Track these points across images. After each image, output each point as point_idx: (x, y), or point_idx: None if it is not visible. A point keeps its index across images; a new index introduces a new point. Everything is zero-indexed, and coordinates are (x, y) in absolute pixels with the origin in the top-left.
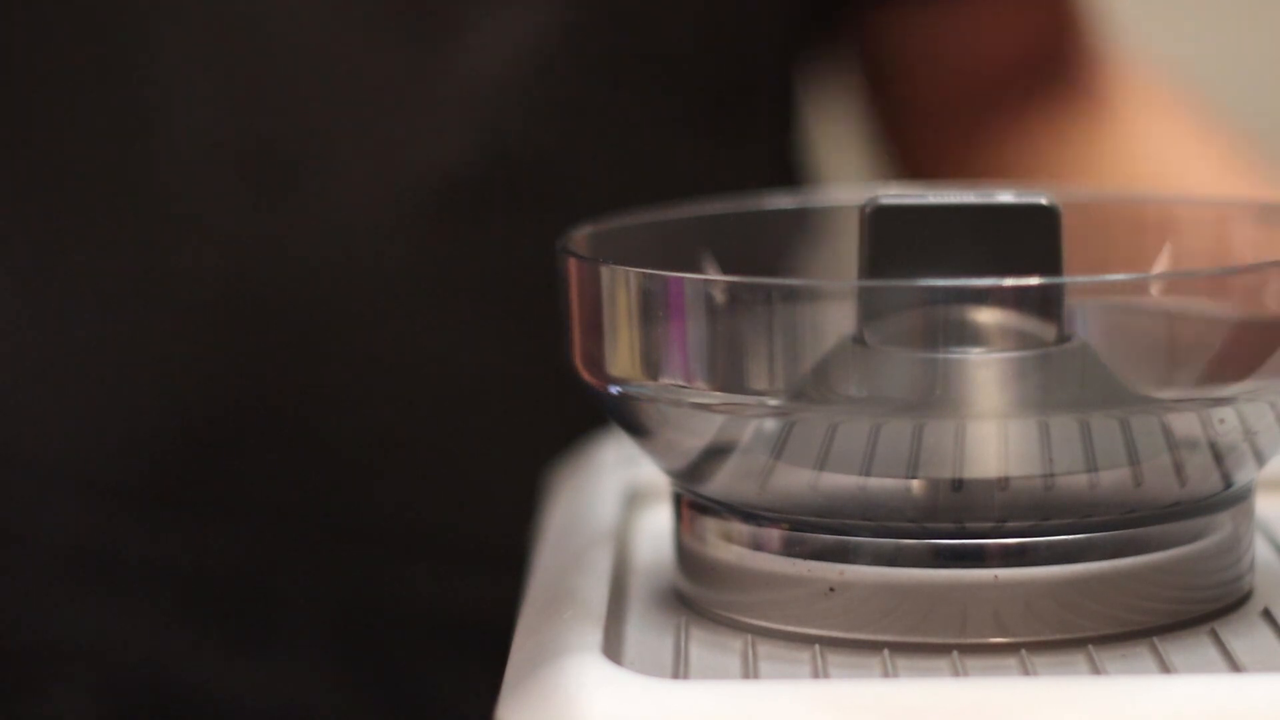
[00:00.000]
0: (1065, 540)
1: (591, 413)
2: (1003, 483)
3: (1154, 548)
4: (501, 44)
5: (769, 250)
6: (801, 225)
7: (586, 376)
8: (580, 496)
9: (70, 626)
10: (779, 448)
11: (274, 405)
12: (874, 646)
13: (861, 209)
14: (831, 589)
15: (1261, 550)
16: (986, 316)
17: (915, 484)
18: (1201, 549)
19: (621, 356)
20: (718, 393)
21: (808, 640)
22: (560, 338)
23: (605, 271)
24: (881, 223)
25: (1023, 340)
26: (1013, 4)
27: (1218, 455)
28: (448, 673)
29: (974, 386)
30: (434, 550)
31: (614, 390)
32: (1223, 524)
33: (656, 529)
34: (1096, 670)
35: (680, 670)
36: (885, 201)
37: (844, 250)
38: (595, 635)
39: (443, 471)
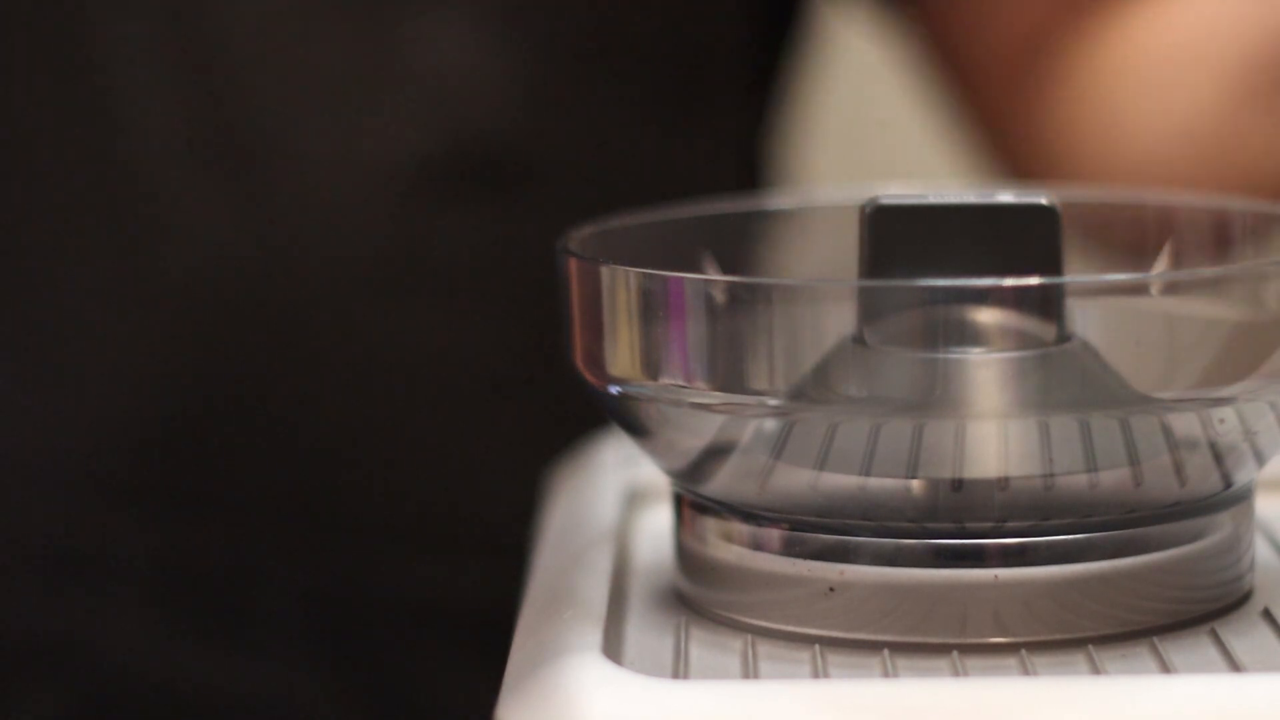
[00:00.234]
0: (1065, 540)
1: (568, 395)
2: (1003, 483)
3: (1154, 548)
4: (464, 30)
5: (769, 250)
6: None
7: (587, 376)
8: (580, 496)
9: (48, 622)
10: (779, 448)
11: (249, 397)
12: (874, 646)
13: (861, 209)
14: (831, 589)
15: (1261, 550)
16: (986, 316)
17: (915, 484)
18: (1201, 549)
19: (621, 356)
20: (718, 393)
21: (808, 640)
22: (541, 327)
23: (605, 271)
24: (881, 223)
25: (1023, 340)
26: None
27: (1218, 455)
28: (428, 663)
29: (974, 386)
30: (413, 541)
31: (614, 390)
32: (1223, 524)
33: (656, 529)
34: (1096, 670)
35: (680, 670)
36: (885, 201)
37: (844, 250)
38: (595, 635)
39: (421, 461)
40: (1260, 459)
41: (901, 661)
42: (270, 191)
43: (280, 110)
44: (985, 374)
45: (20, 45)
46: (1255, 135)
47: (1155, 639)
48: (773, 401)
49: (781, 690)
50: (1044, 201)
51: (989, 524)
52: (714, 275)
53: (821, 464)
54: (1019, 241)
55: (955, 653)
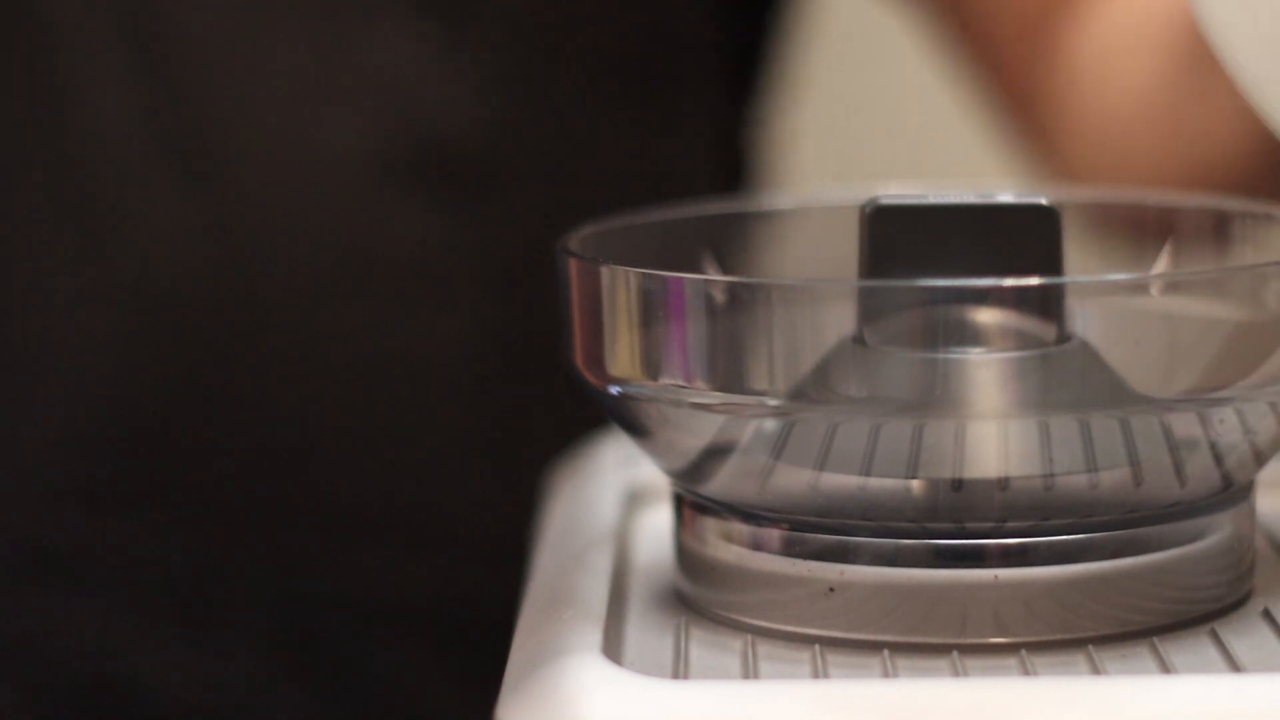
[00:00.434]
0: (1065, 540)
1: (524, 388)
2: (1003, 483)
3: (1154, 548)
4: (420, 27)
5: (769, 250)
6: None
7: (586, 376)
8: (580, 496)
9: (12, 621)
10: (779, 448)
11: (214, 396)
12: (874, 646)
13: (861, 209)
14: (831, 589)
15: (1261, 550)
16: (986, 316)
17: (915, 484)
18: (1201, 549)
19: (621, 356)
20: (718, 393)
21: (808, 640)
22: (506, 326)
23: (605, 271)
24: (881, 223)
25: (1023, 340)
26: None
27: (1218, 455)
28: (396, 663)
29: (974, 386)
30: (380, 541)
31: (614, 390)
32: (1223, 524)
33: (656, 529)
34: (1096, 670)
35: (680, 670)
36: (885, 201)
37: (844, 250)
38: (595, 635)
39: (386, 460)
40: (1260, 459)
41: (901, 661)
42: (230, 191)
43: (239, 109)
44: (985, 374)
45: None
46: (1197, 105)
47: (1155, 639)
48: (773, 401)
49: (781, 690)
50: (1044, 201)
51: (989, 524)
52: (714, 275)
53: (821, 464)
54: (1019, 241)
55: (955, 653)
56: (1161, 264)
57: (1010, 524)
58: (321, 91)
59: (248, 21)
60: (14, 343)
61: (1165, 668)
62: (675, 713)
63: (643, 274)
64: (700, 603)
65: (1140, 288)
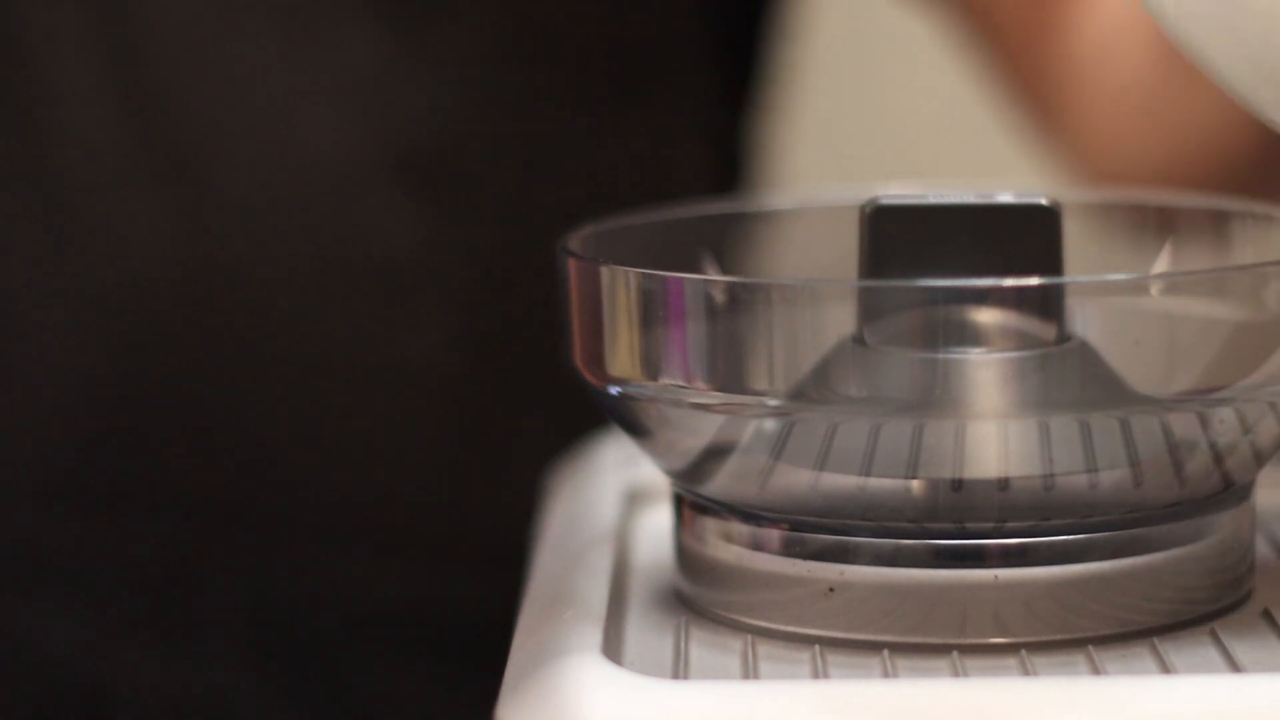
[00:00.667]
0: (1065, 540)
1: (506, 391)
2: (1003, 483)
3: (1154, 548)
4: (393, 30)
5: (769, 250)
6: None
7: (587, 376)
8: (580, 496)
9: None
10: (779, 448)
11: (192, 400)
12: (874, 646)
13: (861, 209)
14: (831, 589)
15: (1261, 550)
16: (986, 316)
17: (915, 484)
18: (1201, 549)
19: (621, 356)
20: (718, 393)
21: (808, 640)
22: (485, 328)
23: (605, 271)
24: (881, 223)
25: (1023, 340)
26: None
27: (1218, 455)
28: (377, 666)
29: (974, 386)
30: (360, 543)
31: (614, 390)
32: (1223, 524)
33: (656, 529)
34: (1096, 670)
35: (680, 670)
36: (885, 201)
37: (844, 250)
38: (595, 635)
39: (366, 460)
40: (1260, 459)
41: (901, 661)
42: (207, 195)
43: (213, 114)
44: (985, 374)
45: None
46: (1178, 94)
47: (1155, 639)
48: (773, 401)
49: (781, 690)
50: (1044, 201)
51: (989, 524)
52: (714, 275)
53: (821, 464)
54: (1019, 241)
55: (955, 653)
56: (1161, 264)
57: (1010, 524)
58: (296, 95)
59: (220, 26)
60: None
61: (1165, 668)
62: (675, 713)
63: (643, 274)
64: (700, 603)
65: (1140, 288)
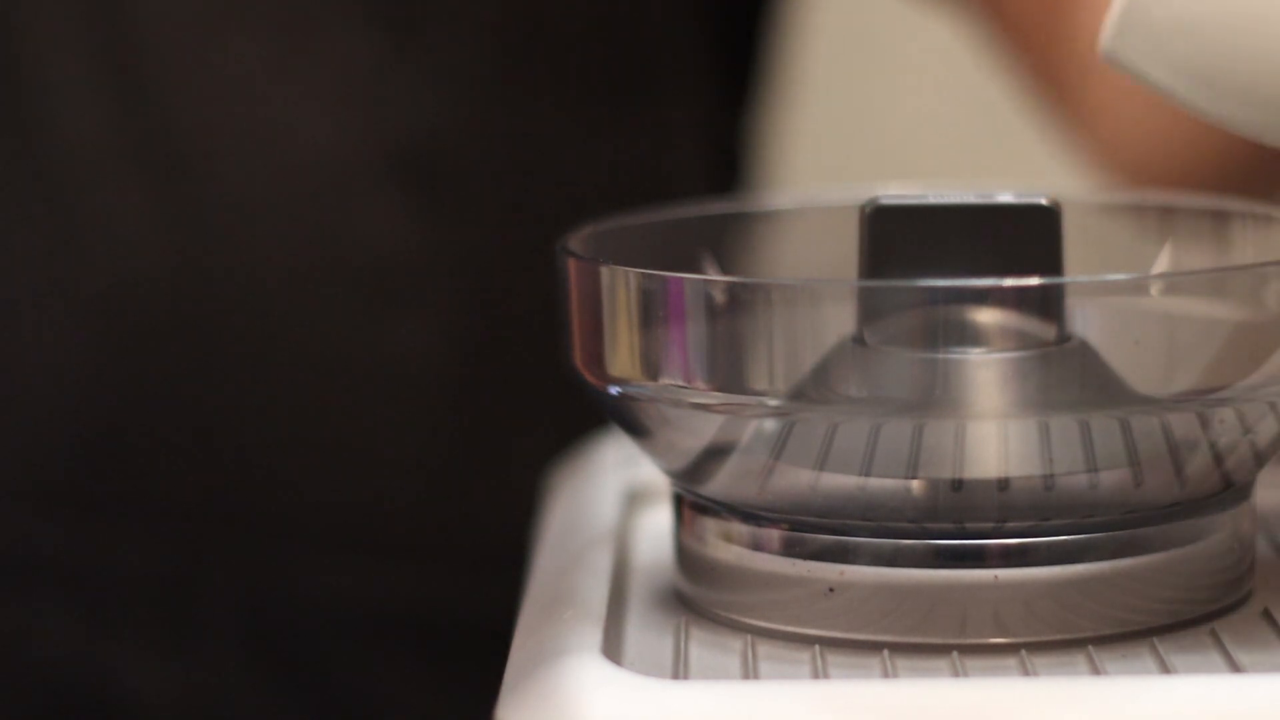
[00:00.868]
0: (1065, 540)
1: (500, 391)
2: (1003, 483)
3: (1154, 548)
4: (385, 29)
5: (769, 250)
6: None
7: (586, 376)
8: (580, 496)
9: None
10: (779, 448)
11: (186, 401)
12: (874, 647)
13: (861, 209)
14: (831, 589)
15: (1261, 550)
16: (986, 316)
17: (915, 484)
18: (1201, 549)
19: (621, 356)
20: (718, 393)
21: (808, 640)
22: (475, 328)
23: (605, 271)
24: (881, 223)
25: (1023, 340)
26: None
27: (1218, 455)
28: (369, 666)
29: (974, 386)
30: (356, 545)
31: (614, 390)
32: (1223, 524)
33: (656, 529)
34: (1096, 670)
35: (680, 670)
36: (885, 201)
37: (844, 250)
38: (595, 635)
39: (361, 461)
40: (1260, 459)
41: (901, 662)
42: (200, 195)
43: (206, 113)
44: (985, 374)
45: None
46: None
47: (1155, 639)
48: (773, 401)
49: (781, 690)
50: (1044, 201)
51: (989, 524)
52: (714, 275)
53: (821, 464)
54: (1019, 241)
55: (955, 653)
56: (1161, 264)
57: (1010, 524)
58: (292, 95)
59: (216, 26)
60: None
61: (1165, 668)
62: (675, 713)
63: (643, 274)
64: (700, 603)
65: (1140, 288)
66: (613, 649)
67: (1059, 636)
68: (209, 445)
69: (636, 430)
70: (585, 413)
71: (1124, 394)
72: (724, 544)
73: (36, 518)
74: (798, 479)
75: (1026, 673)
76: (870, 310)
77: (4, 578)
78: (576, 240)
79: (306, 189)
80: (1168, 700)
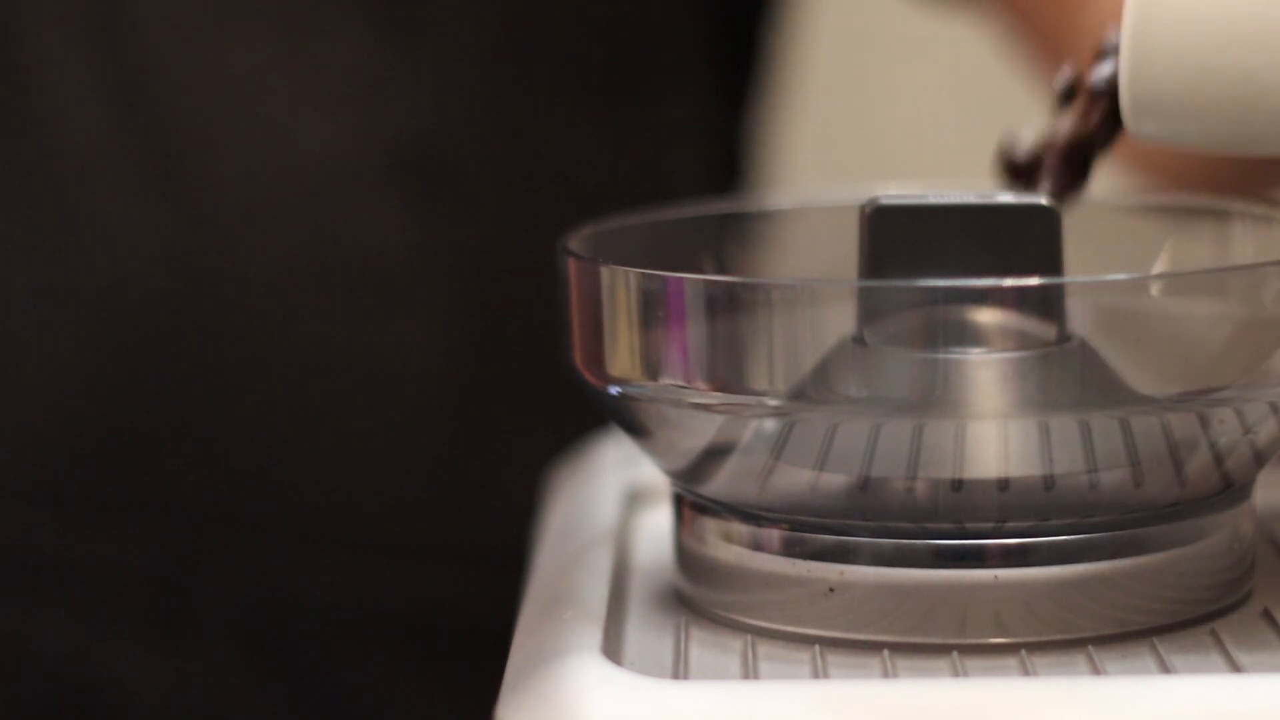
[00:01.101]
0: (1065, 540)
1: (497, 391)
2: (1003, 483)
3: (1154, 548)
4: (382, 29)
5: (769, 250)
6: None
7: (586, 376)
8: (580, 496)
9: None
10: (779, 448)
11: (184, 400)
12: (874, 647)
13: (861, 209)
14: (831, 589)
15: (1262, 550)
16: (986, 316)
17: (915, 484)
18: (1201, 549)
19: (621, 356)
20: (718, 393)
21: (808, 640)
22: (473, 328)
23: (605, 271)
24: (881, 223)
25: (1023, 340)
26: None
27: (1218, 455)
28: (369, 666)
29: (974, 386)
30: (353, 544)
31: (614, 390)
32: (1223, 524)
33: (656, 529)
34: (1096, 670)
35: (680, 670)
36: (885, 201)
37: (844, 250)
38: (595, 635)
39: (358, 461)
40: (1260, 459)
41: (901, 662)
42: (198, 195)
43: (204, 113)
44: (985, 374)
45: None
46: None
47: (1155, 639)
48: (773, 401)
49: (781, 690)
50: (1043, 201)
51: (989, 524)
52: (714, 275)
53: (821, 464)
54: (1019, 241)
55: (955, 653)
56: (1161, 264)
57: (1010, 524)
58: (290, 95)
59: (213, 27)
60: None
61: (1165, 668)
62: (675, 713)
63: (643, 274)
64: (700, 603)
65: (1140, 288)
66: (613, 649)
67: (1059, 636)
68: (208, 445)
69: (636, 430)
70: (585, 413)
71: (1124, 394)
72: (724, 544)
73: (36, 517)
74: (798, 479)
75: (1026, 673)
76: (870, 310)
77: (4, 578)
78: (576, 240)
79: (305, 189)
80: (1168, 700)
